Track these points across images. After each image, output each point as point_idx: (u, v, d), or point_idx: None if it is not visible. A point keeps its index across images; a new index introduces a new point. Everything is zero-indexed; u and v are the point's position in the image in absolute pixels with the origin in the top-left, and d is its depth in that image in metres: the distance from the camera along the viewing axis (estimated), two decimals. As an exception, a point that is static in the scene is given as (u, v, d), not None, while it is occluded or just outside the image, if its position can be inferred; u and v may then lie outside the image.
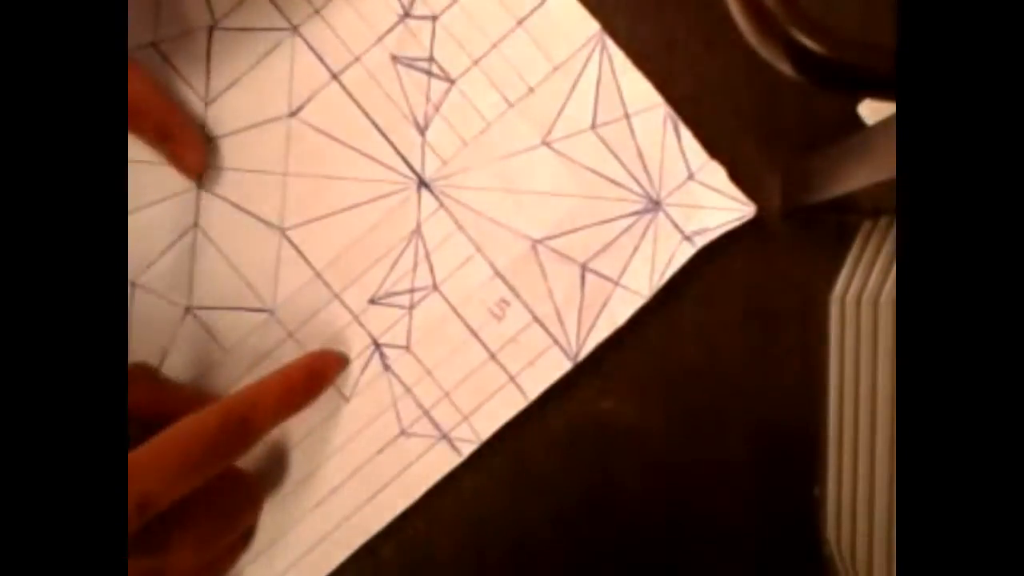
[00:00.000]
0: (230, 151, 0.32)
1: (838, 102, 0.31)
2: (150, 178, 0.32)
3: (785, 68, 0.21)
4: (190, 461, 0.25)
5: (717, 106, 0.32)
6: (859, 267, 0.29)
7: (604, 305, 0.32)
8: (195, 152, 0.31)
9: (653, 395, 0.32)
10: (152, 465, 0.24)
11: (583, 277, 0.32)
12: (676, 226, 0.32)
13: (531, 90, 0.32)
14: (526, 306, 0.32)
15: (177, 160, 0.31)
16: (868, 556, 0.27)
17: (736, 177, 0.31)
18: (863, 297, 0.28)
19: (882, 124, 0.24)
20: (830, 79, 0.21)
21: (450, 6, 0.32)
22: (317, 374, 0.31)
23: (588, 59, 0.32)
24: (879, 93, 0.22)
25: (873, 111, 0.30)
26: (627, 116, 0.32)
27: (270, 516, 0.32)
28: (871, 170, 0.23)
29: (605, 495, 0.32)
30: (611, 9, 0.32)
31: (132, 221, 0.32)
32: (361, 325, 0.32)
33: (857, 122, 0.30)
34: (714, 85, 0.32)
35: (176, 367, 0.32)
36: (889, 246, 0.27)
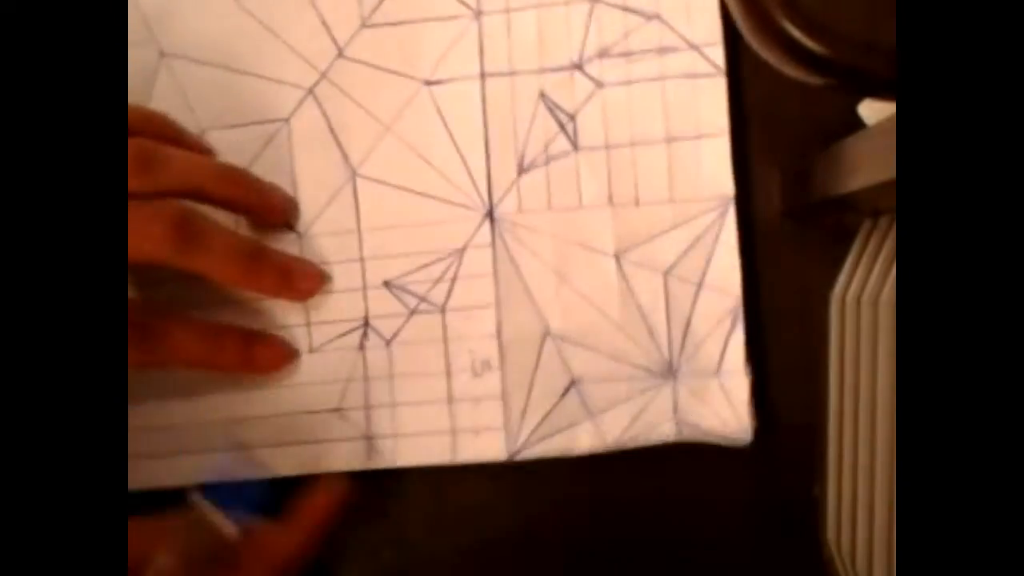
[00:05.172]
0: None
1: (838, 102, 0.31)
2: None
3: (785, 68, 0.21)
4: None
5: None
6: (859, 267, 0.29)
7: (571, 425, 0.31)
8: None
9: (653, 395, 0.32)
10: None
11: (571, 388, 0.31)
12: (675, 405, 0.31)
13: (637, 203, 0.31)
14: (503, 381, 0.31)
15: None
16: (868, 557, 0.27)
17: (737, 180, 0.31)
18: (863, 297, 0.28)
19: (882, 124, 0.24)
20: (830, 79, 0.21)
21: (620, 84, 0.31)
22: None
23: (703, 214, 0.31)
24: (879, 93, 0.22)
25: (873, 111, 0.30)
26: (700, 285, 0.31)
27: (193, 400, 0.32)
28: (871, 170, 0.23)
29: (604, 496, 0.32)
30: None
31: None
32: (364, 298, 0.32)
33: (857, 122, 0.30)
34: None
35: None
36: (889, 246, 0.27)
